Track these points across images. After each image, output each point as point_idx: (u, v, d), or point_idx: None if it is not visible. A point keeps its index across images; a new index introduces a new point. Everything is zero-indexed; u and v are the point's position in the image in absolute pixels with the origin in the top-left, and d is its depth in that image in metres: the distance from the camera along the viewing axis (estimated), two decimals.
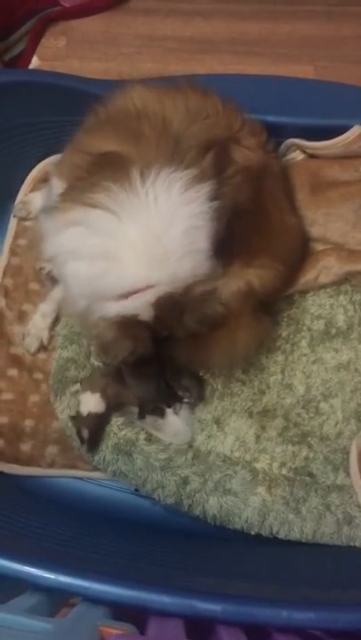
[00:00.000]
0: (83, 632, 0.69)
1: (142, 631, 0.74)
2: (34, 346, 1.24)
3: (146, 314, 0.87)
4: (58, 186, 0.97)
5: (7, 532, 0.97)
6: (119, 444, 1.10)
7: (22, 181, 1.37)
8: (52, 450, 1.19)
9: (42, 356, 1.26)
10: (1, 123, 1.25)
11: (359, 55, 1.63)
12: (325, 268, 1.18)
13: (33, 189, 1.36)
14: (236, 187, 0.95)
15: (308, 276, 1.18)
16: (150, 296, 0.86)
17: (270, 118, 1.14)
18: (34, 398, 1.23)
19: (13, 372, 1.25)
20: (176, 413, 1.10)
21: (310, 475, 1.11)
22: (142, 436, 1.11)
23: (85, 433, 1.08)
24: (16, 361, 1.25)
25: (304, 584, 0.93)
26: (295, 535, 1.06)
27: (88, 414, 1.08)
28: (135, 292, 0.86)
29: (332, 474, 1.10)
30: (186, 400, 1.12)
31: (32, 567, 0.79)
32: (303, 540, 1.06)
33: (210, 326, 0.96)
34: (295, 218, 1.13)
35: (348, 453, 1.11)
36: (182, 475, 1.08)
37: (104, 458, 1.09)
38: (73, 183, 0.93)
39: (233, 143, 0.98)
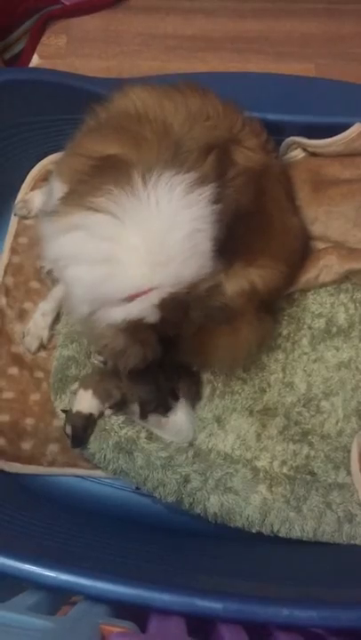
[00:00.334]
0: (84, 630, 0.69)
1: (143, 629, 0.74)
2: (34, 345, 1.24)
3: (152, 316, 0.87)
4: (58, 189, 0.97)
5: (8, 530, 0.97)
6: (120, 442, 1.09)
7: (23, 180, 1.37)
8: (52, 448, 1.19)
9: (42, 354, 1.26)
10: (1, 121, 1.25)
11: (360, 53, 1.62)
12: (326, 267, 1.18)
13: (33, 188, 1.36)
14: (237, 188, 0.95)
15: (309, 275, 1.18)
16: (154, 298, 0.85)
17: (271, 116, 1.14)
18: (34, 397, 1.23)
19: (14, 370, 1.25)
20: (176, 412, 1.10)
21: (311, 473, 1.11)
22: (143, 434, 1.11)
23: (68, 429, 1.08)
24: (17, 359, 1.25)
25: (305, 582, 0.93)
26: (296, 533, 1.06)
27: (76, 412, 1.09)
28: (138, 295, 0.86)
29: (333, 472, 1.10)
30: (184, 398, 1.12)
31: (33, 565, 0.79)
32: (304, 539, 1.06)
33: (217, 319, 0.96)
34: (296, 218, 1.13)
35: (348, 451, 1.11)
36: (183, 473, 1.08)
37: (105, 456, 1.09)
38: (74, 187, 0.92)
39: (234, 144, 0.98)
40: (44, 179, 1.34)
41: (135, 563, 0.95)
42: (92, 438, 1.10)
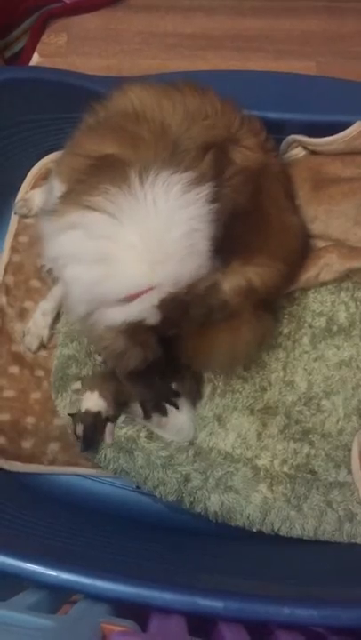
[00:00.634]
0: (84, 629, 0.69)
1: (144, 628, 0.74)
2: (34, 344, 1.24)
3: (152, 317, 0.87)
4: (57, 188, 0.97)
5: (8, 529, 0.97)
6: (120, 441, 1.09)
7: (23, 179, 1.37)
8: (53, 447, 1.19)
9: (43, 353, 1.26)
10: (0, 120, 1.25)
11: None
12: (327, 265, 1.17)
13: (34, 186, 1.36)
14: (235, 188, 0.95)
15: (309, 274, 1.18)
16: (154, 298, 0.85)
17: (272, 115, 1.14)
18: (35, 395, 1.23)
19: (15, 369, 1.25)
20: (176, 407, 1.10)
21: (312, 472, 1.11)
22: (143, 433, 1.10)
23: (80, 429, 1.06)
24: (17, 358, 1.25)
25: (306, 581, 0.93)
26: (297, 532, 1.06)
27: (86, 411, 1.08)
28: (137, 294, 0.86)
29: (334, 471, 1.10)
30: (184, 397, 1.12)
31: (33, 564, 0.79)
32: (305, 537, 1.06)
33: (217, 317, 0.96)
34: (296, 216, 1.12)
35: (349, 450, 1.11)
36: (184, 472, 1.08)
37: (105, 455, 1.09)
38: (72, 186, 0.93)
39: (232, 144, 0.98)
40: (45, 177, 1.33)
41: (136, 561, 0.95)
42: None
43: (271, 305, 1.13)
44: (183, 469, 1.08)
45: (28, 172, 1.37)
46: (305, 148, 1.22)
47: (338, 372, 1.16)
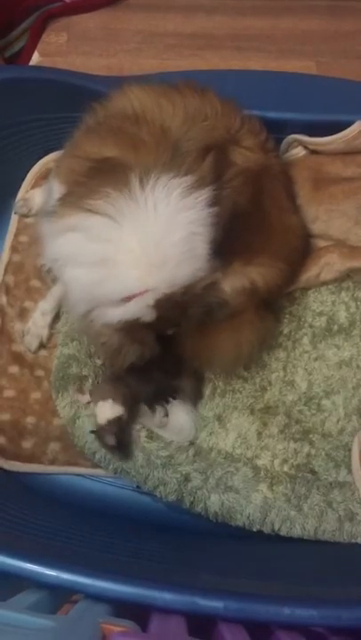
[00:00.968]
0: (84, 629, 0.69)
1: (144, 628, 0.74)
2: (34, 344, 1.24)
3: (147, 316, 0.87)
4: (57, 189, 0.97)
5: (8, 529, 0.97)
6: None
7: (23, 178, 1.36)
8: (53, 447, 1.19)
9: (43, 353, 1.26)
10: (0, 119, 1.25)
11: None
12: (327, 265, 1.17)
13: (34, 186, 1.36)
14: (235, 189, 0.95)
15: (309, 273, 1.18)
16: (149, 299, 0.86)
17: (272, 114, 1.14)
18: (35, 395, 1.23)
19: (15, 369, 1.25)
20: (177, 411, 1.10)
21: (312, 471, 1.11)
22: (143, 433, 1.10)
23: (112, 440, 1.04)
24: (17, 358, 1.25)
25: (306, 581, 0.93)
26: (297, 532, 1.05)
27: (108, 422, 1.05)
28: (133, 296, 0.86)
29: (334, 471, 1.10)
30: (185, 397, 1.12)
31: (33, 564, 0.79)
32: (305, 537, 1.05)
33: (216, 315, 0.96)
34: (296, 216, 1.13)
35: (349, 450, 1.11)
36: (184, 472, 1.08)
37: (105, 455, 1.09)
38: (72, 188, 0.93)
39: (232, 145, 0.98)
40: (45, 177, 1.33)
41: (136, 561, 0.95)
42: (93, 437, 1.10)
43: (272, 305, 1.13)
44: (183, 469, 1.08)
45: (28, 171, 1.37)
46: (305, 147, 1.22)
47: (338, 372, 1.16)
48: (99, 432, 1.07)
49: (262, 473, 1.09)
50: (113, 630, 0.69)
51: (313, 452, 1.12)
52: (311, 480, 1.09)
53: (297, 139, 1.20)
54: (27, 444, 1.20)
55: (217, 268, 0.94)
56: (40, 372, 1.25)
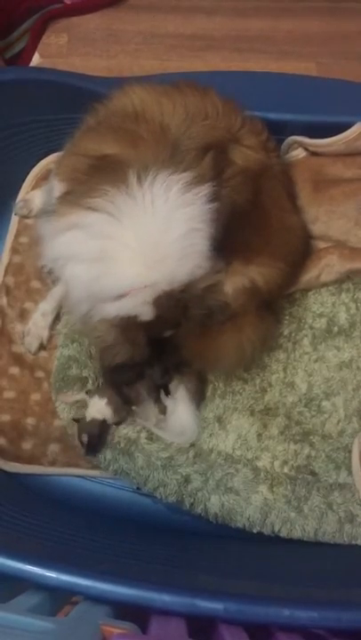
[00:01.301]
0: (84, 631, 0.69)
1: (144, 630, 0.74)
2: (34, 345, 1.24)
3: (145, 314, 0.87)
4: (57, 188, 0.97)
5: (8, 530, 0.97)
6: (120, 442, 1.09)
7: (23, 179, 1.36)
8: (53, 448, 1.19)
9: (43, 354, 1.26)
10: (1, 121, 1.25)
11: None
12: (328, 267, 1.17)
13: (34, 187, 1.36)
14: (234, 188, 0.95)
15: (310, 274, 1.18)
16: (148, 295, 0.86)
17: (272, 115, 1.14)
18: (35, 396, 1.23)
19: (15, 370, 1.25)
20: (180, 412, 1.10)
21: (312, 473, 1.10)
22: (143, 434, 1.10)
23: (85, 438, 1.07)
24: (18, 359, 1.25)
25: (306, 583, 0.93)
26: (297, 533, 1.05)
27: (91, 420, 1.08)
28: (132, 292, 0.86)
29: (334, 472, 1.10)
30: (188, 398, 1.12)
31: (33, 566, 0.79)
32: (305, 539, 1.05)
33: (217, 318, 0.96)
34: (296, 217, 1.13)
35: (350, 452, 1.11)
36: (184, 473, 1.08)
37: (105, 456, 1.09)
38: (72, 186, 0.93)
39: (232, 143, 0.98)
40: (45, 178, 1.33)
41: (136, 563, 0.95)
42: None
43: (273, 306, 1.13)
44: (183, 470, 1.08)
45: (28, 172, 1.37)
46: (306, 149, 1.22)
47: (338, 374, 1.16)
48: (79, 423, 1.09)
49: (262, 474, 1.09)
50: (113, 632, 0.69)
51: (313, 453, 1.12)
52: (311, 481, 1.09)
53: (297, 140, 1.20)
54: (27, 446, 1.20)
55: (218, 269, 0.94)
56: (40, 374, 1.25)
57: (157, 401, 1.12)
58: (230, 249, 0.95)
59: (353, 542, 1.05)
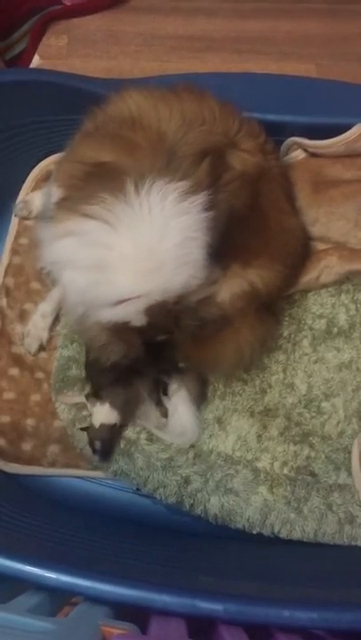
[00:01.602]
0: (84, 632, 0.69)
1: (144, 630, 0.74)
2: (34, 346, 1.24)
3: (137, 321, 0.88)
4: (55, 194, 0.97)
5: (8, 531, 0.97)
6: (120, 443, 1.09)
7: (23, 181, 1.37)
8: (53, 449, 1.19)
9: (43, 355, 1.26)
10: (1, 122, 1.25)
11: None
12: (327, 268, 1.17)
13: (34, 189, 1.36)
14: (232, 192, 0.95)
15: (309, 276, 1.18)
16: (141, 304, 0.86)
17: (272, 117, 1.14)
18: (35, 397, 1.23)
19: (15, 371, 1.25)
20: (180, 413, 1.10)
21: (312, 474, 1.11)
22: (143, 435, 1.11)
23: (98, 445, 1.07)
24: (17, 360, 1.25)
25: (306, 583, 0.93)
26: (297, 535, 1.05)
27: (101, 425, 1.07)
28: (126, 301, 0.86)
29: (334, 473, 1.10)
30: (189, 399, 1.12)
31: (33, 567, 0.79)
32: (305, 540, 1.06)
33: (210, 328, 0.96)
34: (295, 219, 1.13)
35: (349, 453, 1.11)
36: (184, 474, 1.08)
37: None
38: (69, 192, 0.93)
39: (230, 148, 0.98)
40: (45, 179, 1.33)
41: (135, 564, 0.95)
42: None
43: (272, 307, 1.13)
44: (183, 471, 1.08)
45: (28, 173, 1.37)
46: (305, 150, 1.22)
47: (338, 375, 1.16)
48: (89, 432, 1.08)
49: (262, 475, 1.09)
50: (113, 632, 0.69)
51: (313, 454, 1.12)
52: (311, 482, 1.09)
53: (297, 141, 1.20)
54: (26, 447, 1.20)
55: (213, 280, 0.94)
56: (40, 375, 1.25)
57: (158, 403, 1.12)
58: (228, 253, 0.95)
59: (353, 543, 1.05)
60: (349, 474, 1.09)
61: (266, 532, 1.06)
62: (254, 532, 1.07)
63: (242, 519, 1.06)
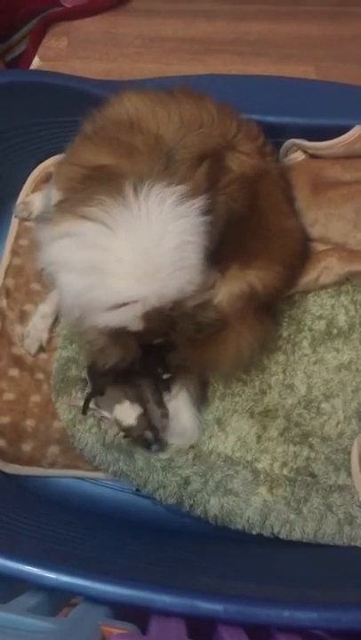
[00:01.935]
0: (84, 632, 0.69)
1: (144, 631, 0.74)
2: (34, 347, 1.24)
3: (134, 326, 0.88)
4: (54, 196, 0.98)
5: (8, 531, 0.97)
6: (120, 444, 1.09)
7: (23, 182, 1.37)
8: (53, 450, 1.19)
9: (43, 356, 1.26)
10: (1, 123, 1.25)
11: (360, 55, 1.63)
12: (326, 269, 1.18)
13: (34, 190, 1.36)
14: (231, 195, 0.95)
15: (309, 277, 1.18)
16: (137, 310, 0.86)
17: (271, 118, 1.14)
18: (35, 398, 1.23)
19: (15, 372, 1.25)
20: (180, 413, 1.10)
21: (312, 475, 1.11)
22: None
23: (150, 435, 1.06)
24: (17, 361, 1.25)
25: (306, 584, 0.93)
26: (296, 535, 1.05)
27: (136, 420, 1.06)
28: (122, 305, 0.86)
29: (334, 474, 1.10)
30: (189, 399, 1.12)
31: (33, 567, 0.79)
32: (304, 540, 1.06)
33: (208, 332, 0.96)
34: (294, 220, 1.13)
35: (349, 453, 1.11)
36: (183, 475, 1.08)
37: (105, 458, 1.09)
38: (68, 195, 0.93)
39: (228, 150, 0.98)
40: (45, 180, 1.34)
41: (135, 564, 0.95)
42: (93, 440, 1.10)
43: (272, 308, 1.14)
44: (183, 472, 1.08)
45: (28, 175, 1.37)
46: (305, 151, 1.23)
47: (337, 376, 1.16)
48: (131, 434, 1.07)
49: (262, 476, 1.09)
50: (112, 632, 0.69)
51: (312, 455, 1.12)
52: (311, 483, 1.09)
53: (296, 143, 1.21)
54: (26, 447, 1.20)
55: (210, 285, 0.94)
56: (40, 375, 1.25)
57: (160, 404, 1.12)
58: (227, 255, 0.96)
59: (352, 544, 1.05)
60: (349, 474, 1.10)
61: (266, 532, 1.06)
62: (254, 533, 1.07)
63: (242, 520, 1.06)
